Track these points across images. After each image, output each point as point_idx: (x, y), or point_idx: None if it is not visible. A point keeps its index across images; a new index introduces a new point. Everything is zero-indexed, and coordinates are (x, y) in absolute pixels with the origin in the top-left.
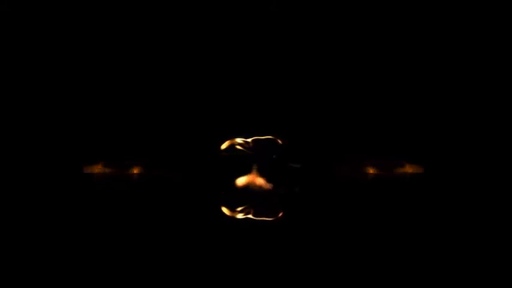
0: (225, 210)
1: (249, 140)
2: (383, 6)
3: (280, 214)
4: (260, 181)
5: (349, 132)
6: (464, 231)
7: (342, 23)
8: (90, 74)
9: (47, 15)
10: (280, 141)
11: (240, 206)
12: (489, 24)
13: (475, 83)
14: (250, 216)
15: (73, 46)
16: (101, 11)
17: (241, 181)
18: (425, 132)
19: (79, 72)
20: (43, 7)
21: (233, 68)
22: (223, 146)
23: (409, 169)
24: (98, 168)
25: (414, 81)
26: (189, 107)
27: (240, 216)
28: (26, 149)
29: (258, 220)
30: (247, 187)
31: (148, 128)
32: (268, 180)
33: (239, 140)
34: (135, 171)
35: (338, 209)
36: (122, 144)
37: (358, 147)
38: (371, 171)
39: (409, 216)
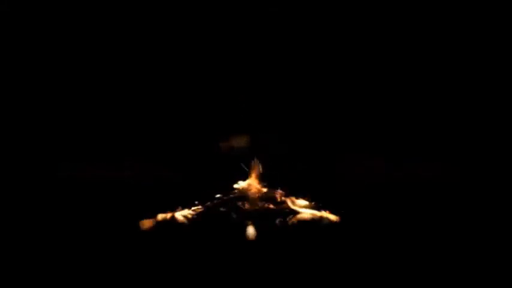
0: (224, 212)
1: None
2: (384, 6)
3: (280, 217)
4: (259, 184)
5: (353, 132)
6: (458, 232)
7: (343, 22)
8: (90, 74)
9: (46, 15)
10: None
11: (239, 208)
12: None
13: (477, 82)
14: (249, 217)
15: (71, 46)
16: (100, 11)
17: (240, 184)
18: (433, 133)
19: (78, 71)
20: (43, 7)
21: (233, 68)
22: (224, 145)
23: (415, 170)
24: (92, 170)
25: (418, 81)
26: (188, 107)
27: (239, 218)
28: (25, 148)
29: (257, 222)
30: (246, 189)
31: (147, 129)
32: (266, 183)
33: (237, 142)
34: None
35: (341, 210)
36: (120, 145)
37: (362, 148)
38: (375, 171)
39: (411, 217)
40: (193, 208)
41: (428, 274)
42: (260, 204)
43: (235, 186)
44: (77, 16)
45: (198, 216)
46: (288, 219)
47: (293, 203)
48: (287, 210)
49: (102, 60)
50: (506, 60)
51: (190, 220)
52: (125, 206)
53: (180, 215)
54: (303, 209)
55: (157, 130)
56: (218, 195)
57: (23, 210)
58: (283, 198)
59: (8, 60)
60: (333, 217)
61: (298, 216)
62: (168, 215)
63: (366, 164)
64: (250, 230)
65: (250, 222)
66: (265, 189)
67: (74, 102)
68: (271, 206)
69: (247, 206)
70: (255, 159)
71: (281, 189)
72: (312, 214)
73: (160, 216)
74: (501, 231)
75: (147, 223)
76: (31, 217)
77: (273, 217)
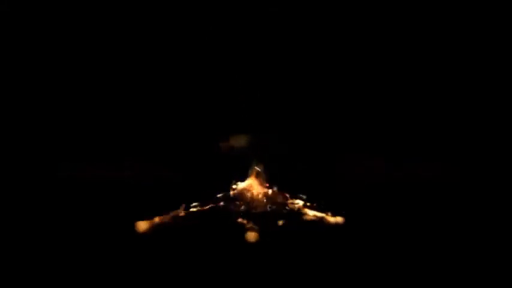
0: (224, 212)
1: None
2: (384, 6)
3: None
4: (259, 184)
5: (353, 132)
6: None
7: (343, 23)
8: (90, 74)
9: (47, 15)
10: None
11: (239, 209)
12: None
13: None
14: (251, 219)
15: (71, 46)
16: (100, 11)
17: (240, 184)
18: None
19: (78, 71)
20: (43, 7)
21: (233, 68)
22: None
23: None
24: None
25: (418, 82)
26: (188, 108)
27: (239, 219)
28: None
29: (259, 223)
30: (246, 189)
31: (147, 129)
32: (266, 183)
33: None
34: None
35: (340, 209)
36: (120, 145)
37: (362, 148)
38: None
39: (411, 217)
40: (193, 208)
41: (428, 273)
42: (262, 205)
43: (235, 186)
44: (77, 16)
45: (198, 216)
46: (290, 219)
47: (295, 203)
48: (289, 211)
49: (102, 60)
50: (506, 60)
51: (191, 220)
52: (124, 206)
53: (180, 215)
54: (305, 209)
55: (157, 130)
56: (218, 196)
57: (23, 210)
58: (284, 199)
59: (8, 60)
60: (335, 218)
61: (300, 217)
62: (168, 215)
63: (366, 164)
64: (252, 231)
65: (251, 223)
66: (266, 190)
67: (74, 102)
68: (273, 207)
69: (248, 206)
70: (256, 160)
71: (282, 190)
72: (314, 215)
73: (160, 217)
74: (501, 231)
75: (147, 223)
76: (31, 217)
77: (275, 218)
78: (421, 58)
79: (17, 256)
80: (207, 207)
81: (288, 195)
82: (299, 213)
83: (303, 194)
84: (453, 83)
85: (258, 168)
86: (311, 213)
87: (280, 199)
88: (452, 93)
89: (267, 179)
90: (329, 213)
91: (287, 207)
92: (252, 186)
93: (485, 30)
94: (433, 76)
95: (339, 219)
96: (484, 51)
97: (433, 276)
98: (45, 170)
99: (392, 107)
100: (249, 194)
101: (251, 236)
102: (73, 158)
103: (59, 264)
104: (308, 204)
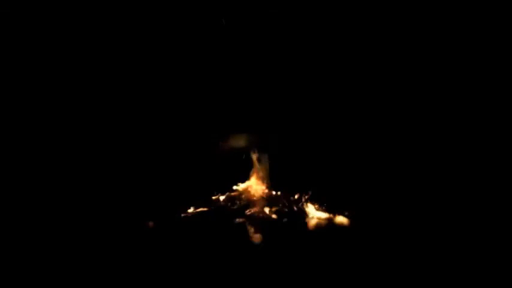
0: (225, 212)
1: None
2: (383, 6)
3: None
4: (259, 184)
5: (353, 132)
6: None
7: (342, 23)
8: (90, 74)
9: (47, 15)
10: None
11: (240, 209)
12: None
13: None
14: (254, 219)
15: (73, 46)
16: (100, 11)
17: (241, 185)
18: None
19: (78, 71)
20: (43, 7)
21: (234, 68)
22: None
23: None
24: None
25: (417, 81)
26: (189, 108)
27: (239, 219)
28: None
29: (262, 224)
30: (247, 190)
31: (147, 129)
32: (267, 183)
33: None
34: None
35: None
36: (120, 144)
37: (362, 148)
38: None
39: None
40: (193, 209)
41: (429, 272)
42: (263, 205)
43: (235, 187)
44: (77, 16)
45: (199, 216)
46: (291, 219)
47: (296, 204)
48: (290, 211)
49: (102, 60)
50: (506, 60)
51: (191, 221)
52: (125, 206)
53: (181, 215)
54: (306, 209)
55: (157, 130)
56: (219, 196)
57: (23, 210)
58: (285, 199)
59: (8, 60)
60: (335, 218)
61: (301, 217)
62: (169, 216)
63: (365, 164)
64: (255, 233)
65: (252, 224)
66: (267, 190)
67: (74, 102)
68: (274, 207)
69: (251, 207)
70: (257, 160)
71: (283, 190)
72: (315, 215)
73: (161, 217)
74: (501, 231)
75: (148, 224)
76: (31, 217)
77: (276, 218)
78: (421, 58)
79: (17, 255)
80: (207, 207)
81: (288, 195)
82: (300, 213)
83: (303, 193)
84: (453, 82)
85: (258, 169)
86: (312, 213)
87: (281, 199)
88: (452, 93)
89: (268, 179)
90: (330, 214)
91: (288, 207)
92: (253, 186)
93: (485, 30)
94: (433, 76)
95: (339, 219)
96: (484, 51)
97: (434, 276)
98: (45, 169)
99: (392, 107)
100: (250, 195)
101: (252, 236)
102: (73, 157)
103: (58, 263)
104: (309, 204)
